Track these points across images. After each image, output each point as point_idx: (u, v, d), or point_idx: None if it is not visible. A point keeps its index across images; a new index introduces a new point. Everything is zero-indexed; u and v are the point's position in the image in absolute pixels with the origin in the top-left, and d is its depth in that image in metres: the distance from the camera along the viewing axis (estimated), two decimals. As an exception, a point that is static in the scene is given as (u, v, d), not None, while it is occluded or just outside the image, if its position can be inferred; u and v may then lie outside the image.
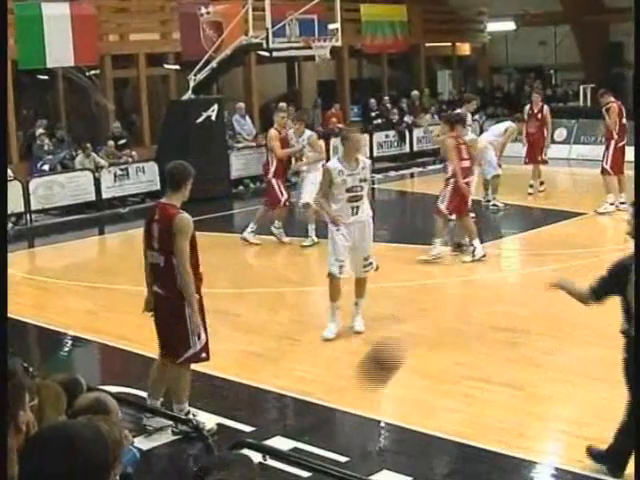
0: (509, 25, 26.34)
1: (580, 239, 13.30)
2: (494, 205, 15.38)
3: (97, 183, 16.84)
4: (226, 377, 8.04)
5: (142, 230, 7.02)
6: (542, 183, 16.66)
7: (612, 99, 15.11)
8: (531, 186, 16.58)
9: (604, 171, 14.84)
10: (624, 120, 14.83)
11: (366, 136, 20.97)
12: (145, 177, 17.38)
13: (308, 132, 13.53)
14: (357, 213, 8.91)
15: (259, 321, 9.59)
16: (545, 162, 16.64)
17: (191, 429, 6.24)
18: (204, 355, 6.82)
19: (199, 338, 6.72)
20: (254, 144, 19.55)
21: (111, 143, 17.84)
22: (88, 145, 17.26)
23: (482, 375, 7.71)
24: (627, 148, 15.26)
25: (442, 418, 6.86)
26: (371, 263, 9.07)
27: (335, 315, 8.93)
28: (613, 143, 14.79)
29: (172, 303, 6.64)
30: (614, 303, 9.15)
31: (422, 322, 9.34)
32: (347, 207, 8.84)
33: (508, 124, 15.95)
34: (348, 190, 8.75)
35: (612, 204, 14.46)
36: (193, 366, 7.95)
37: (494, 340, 8.86)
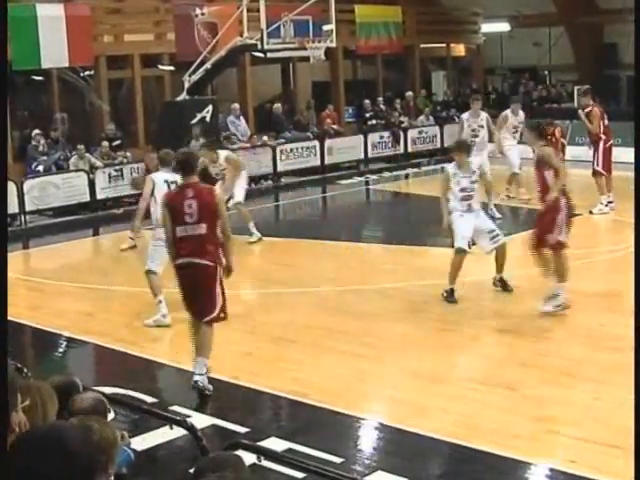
0: (503, 26, 26.38)
1: (575, 240, 13.32)
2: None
3: (91, 184, 16.82)
4: (221, 378, 8.03)
5: (162, 213, 7.82)
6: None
7: (591, 102, 15.51)
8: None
9: (596, 173, 15.02)
10: (606, 121, 15.13)
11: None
12: (140, 178, 17.33)
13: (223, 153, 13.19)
14: None
15: (253, 322, 9.56)
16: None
17: (186, 430, 6.23)
18: (223, 315, 7.60)
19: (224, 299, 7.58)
20: (248, 145, 19.59)
21: (105, 144, 17.81)
22: (81, 147, 17.23)
23: (476, 376, 7.75)
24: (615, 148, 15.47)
25: (437, 419, 6.87)
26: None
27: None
28: (602, 144, 14.99)
29: (211, 270, 7.47)
30: (606, 305, 9.27)
31: (416, 323, 9.35)
32: None
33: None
34: None
35: (606, 205, 14.54)
36: (187, 367, 8.07)
37: (488, 341, 8.90)
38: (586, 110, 15.45)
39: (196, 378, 7.51)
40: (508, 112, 16.06)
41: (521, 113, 16.20)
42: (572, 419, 6.85)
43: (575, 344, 8.55)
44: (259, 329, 9.30)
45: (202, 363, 7.54)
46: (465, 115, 15.27)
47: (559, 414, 7.04)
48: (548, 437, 6.71)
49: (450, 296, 10.01)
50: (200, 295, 7.58)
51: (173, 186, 9.52)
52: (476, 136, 14.64)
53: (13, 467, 2.41)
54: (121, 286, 11.32)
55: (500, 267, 10.25)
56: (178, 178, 9.60)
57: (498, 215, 14.55)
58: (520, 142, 16.07)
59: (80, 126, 19.65)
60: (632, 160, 9.33)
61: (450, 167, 10.28)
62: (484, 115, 15.11)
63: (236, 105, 20.24)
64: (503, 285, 10.32)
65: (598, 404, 7.04)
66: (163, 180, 9.95)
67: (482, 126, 14.79)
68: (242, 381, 7.88)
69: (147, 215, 14.17)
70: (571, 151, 18.37)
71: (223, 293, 7.59)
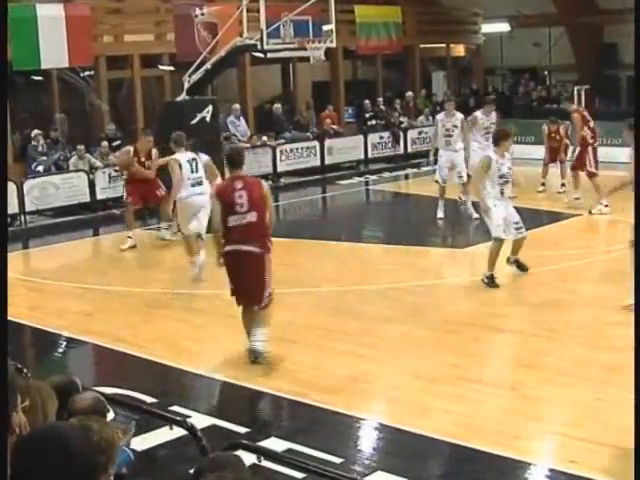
0: (503, 26, 26.37)
1: (575, 240, 13.36)
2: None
3: (91, 184, 16.81)
4: (220, 378, 8.06)
5: (213, 204, 8.33)
6: (543, 184, 17.01)
7: (574, 107, 15.99)
8: (543, 184, 16.94)
9: (591, 174, 15.22)
10: (591, 124, 15.51)
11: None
12: (139, 178, 17.26)
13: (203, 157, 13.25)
14: None
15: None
16: (562, 162, 17.06)
17: (186, 430, 6.23)
18: (270, 299, 8.18)
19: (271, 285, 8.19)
20: (248, 145, 19.54)
21: (105, 144, 17.77)
22: (81, 147, 17.22)
23: (477, 376, 7.73)
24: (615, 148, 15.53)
25: (437, 419, 6.85)
26: None
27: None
28: (590, 148, 15.34)
29: (262, 257, 8.02)
30: (608, 304, 9.24)
31: (416, 323, 9.33)
32: None
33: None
34: None
35: (606, 205, 14.55)
36: (187, 367, 8.19)
37: (489, 341, 8.88)
38: (572, 115, 15.85)
39: (254, 345, 8.07)
40: (478, 113, 15.88)
41: (493, 114, 16.11)
42: (572, 419, 6.83)
43: (577, 344, 8.54)
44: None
45: (260, 332, 8.06)
46: (440, 116, 15.35)
47: (559, 414, 7.03)
48: (548, 437, 6.70)
49: (491, 282, 10.50)
50: (249, 282, 8.08)
51: (194, 163, 11.43)
52: (450, 136, 14.78)
53: (14, 468, 2.41)
54: (121, 286, 11.31)
55: (515, 251, 10.87)
56: (196, 156, 11.60)
57: (476, 215, 14.52)
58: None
59: (80, 126, 19.62)
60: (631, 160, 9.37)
61: (491, 154, 10.73)
62: (459, 116, 15.06)
63: (237, 106, 20.21)
64: (518, 265, 10.95)
65: (599, 404, 7.01)
66: (186, 160, 11.40)
67: (456, 126, 14.82)
68: (242, 381, 7.86)
69: (140, 215, 14.32)
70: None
71: (270, 280, 8.15)
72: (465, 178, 14.83)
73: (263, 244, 8.04)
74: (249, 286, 8.10)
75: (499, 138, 10.85)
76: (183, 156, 11.52)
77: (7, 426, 2.76)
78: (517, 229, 10.66)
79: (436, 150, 15.32)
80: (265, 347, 8.11)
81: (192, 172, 11.48)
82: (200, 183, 11.64)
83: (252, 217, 7.97)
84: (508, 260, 10.95)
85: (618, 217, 13.87)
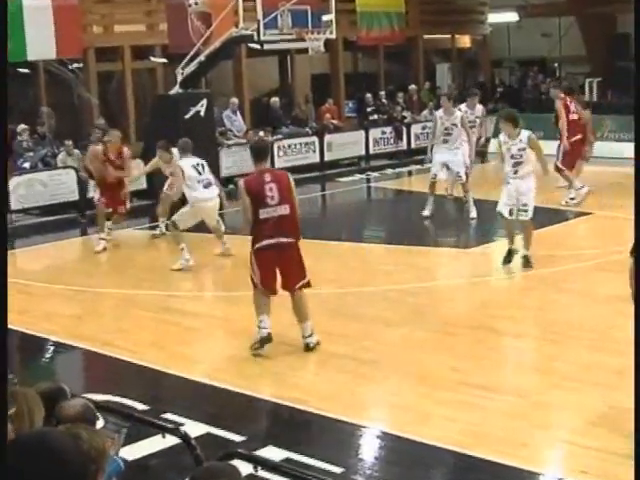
0: (511, 16, 26.05)
1: (582, 240, 13.36)
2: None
3: (80, 181, 16.41)
4: (216, 384, 7.91)
5: (243, 199, 8.24)
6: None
7: (561, 95, 15.61)
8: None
9: (558, 169, 15.08)
10: (572, 115, 15.24)
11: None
12: (131, 175, 16.89)
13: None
14: None
15: (251, 325, 9.20)
16: (584, 158, 16.76)
17: (179, 438, 5.94)
18: (309, 280, 8.54)
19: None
20: (245, 140, 19.20)
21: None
22: (69, 142, 16.92)
23: (481, 381, 7.59)
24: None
25: (439, 426, 6.74)
26: None
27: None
28: (565, 139, 15.15)
29: (296, 245, 8.37)
30: (616, 307, 8.83)
31: (418, 325, 9.22)
32: None
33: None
34: None
35: (587, 190, 14.72)
36: (180, 373, 8.21)
37: (492, 344, 8.71)
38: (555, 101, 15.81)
39: (307, 341, 8.41)
40: (463, 106, 15.68)
41: (479, 107, 15.93)
42: (582, 426, 6.68)
43: (585, 348, 8.40)
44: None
45: (308, 326, 8.42)
46: (439, 112, 14.96)
47: (568, 421, 6.90)
48: (557, 445, 6.57)
49: (507, 257, 11.15)
50: (291, 268, 8.43)
51: (200, 168, 11.84)
52: (449, 134, 14.48)
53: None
54: (111, 288, 11.23)
55: (526, 244, 11.10)
56: (202, 161, 12.01)
57: (473, 215, 14.31)
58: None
59: (68, 121, 19.40)
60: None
61: (501, 135, 11.26)
62: (458, 114, 14.72)
63: (235, 100, 20.07)
64: (525, 262, 11.08)
65: (609, 411, 6.86)
66: (191, 165, 11.79)
67: (455, 125, 14.47)
68: (238, 387, 7.74)
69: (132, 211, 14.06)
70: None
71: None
72: (464, 178, 14.60)
73: (297, 235, 8.38)
74: (292, 272, 8.43)
75: (500, 120, 11.45)
76: (189, 162, 11.94)
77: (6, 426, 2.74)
78: (519, 210, 10.97)
79: (433, 147, 15.10)
80: (316, 339, 8.49)
81: (200, 174, 11.92)
82: (210, 184, 12.07)
83: (284, 210, 8.21)
84: (521, 256, 11.15)
85: (623, 215, 13.46)
